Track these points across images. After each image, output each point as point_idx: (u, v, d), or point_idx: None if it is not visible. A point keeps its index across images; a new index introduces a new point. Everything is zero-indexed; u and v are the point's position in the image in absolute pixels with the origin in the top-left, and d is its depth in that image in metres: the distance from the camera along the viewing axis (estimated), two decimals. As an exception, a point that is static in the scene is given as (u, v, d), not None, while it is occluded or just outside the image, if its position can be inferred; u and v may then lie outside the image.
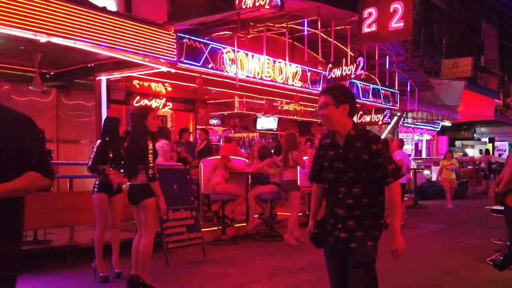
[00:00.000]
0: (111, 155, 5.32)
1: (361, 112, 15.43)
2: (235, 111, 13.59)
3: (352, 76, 11.49)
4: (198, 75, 9.02)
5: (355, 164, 2.84)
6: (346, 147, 2.90)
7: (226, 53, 9.18)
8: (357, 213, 2.84)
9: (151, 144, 4.71)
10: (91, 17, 6.79)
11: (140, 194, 4.73)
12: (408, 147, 19.24)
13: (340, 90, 2.99)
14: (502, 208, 3.86)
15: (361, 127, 3.07)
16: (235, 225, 8.28)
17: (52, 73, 9.15)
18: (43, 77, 8.91)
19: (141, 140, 4.69)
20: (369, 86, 14.00)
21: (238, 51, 9.35)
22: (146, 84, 11.02)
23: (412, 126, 19.89)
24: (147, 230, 4.78)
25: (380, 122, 15.44)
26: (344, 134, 2.90)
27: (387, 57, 14.14)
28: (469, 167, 19.69)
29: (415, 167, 14.51)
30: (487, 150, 20.92)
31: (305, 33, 11.16)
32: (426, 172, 16.49)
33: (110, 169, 5.28)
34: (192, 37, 8.50)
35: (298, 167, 8.09)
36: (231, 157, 8.92)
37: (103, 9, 7.12)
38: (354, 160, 2.85)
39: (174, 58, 8.07)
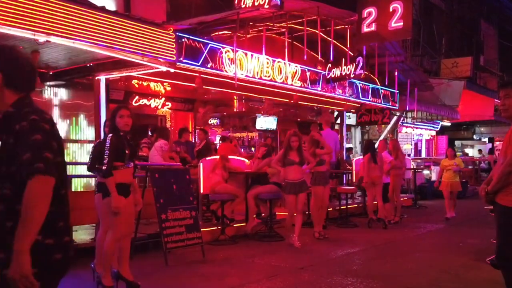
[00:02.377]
0: None
1: (360, 112, 15.47)
2: (235, 110, 13.58)
3: (352, 75, 11.48)
4: (197, 74, 9.01)
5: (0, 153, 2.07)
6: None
7: (225, 52, 9.16)
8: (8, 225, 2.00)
9: (112, 141, 4.75)
10: (90, 17, 6.78)
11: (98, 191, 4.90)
12: (408, 147, 19.24)
13: None
14: (492, 207, 3.85)
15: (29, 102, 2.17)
16: (234, 225, 8.28)
17: (51, 73, 9.14)
18: (43, 77, 8.90)
19: (105, 137, 4.91)
20: (369, 85, 13.99)
21: (237, 51, 9.33)
22: (145, 83, 11.01)
23: (412, 125, 19.89)
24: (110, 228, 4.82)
25: (379, 122, 15.47)
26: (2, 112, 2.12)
27: (387, 56, 14.13)
28: (469, 167, 19.68)
29: (415, 167, 14.52)
30: (490, 150, 20.89)
31: (305, 32, 11.16)
32: (426, 172, 16.49)
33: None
34: (191, 37, 8.48)
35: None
36: (230, 156, 8.92)
37: (102, 9, 7.10)
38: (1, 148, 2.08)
39: (173, 57, 8.05)
